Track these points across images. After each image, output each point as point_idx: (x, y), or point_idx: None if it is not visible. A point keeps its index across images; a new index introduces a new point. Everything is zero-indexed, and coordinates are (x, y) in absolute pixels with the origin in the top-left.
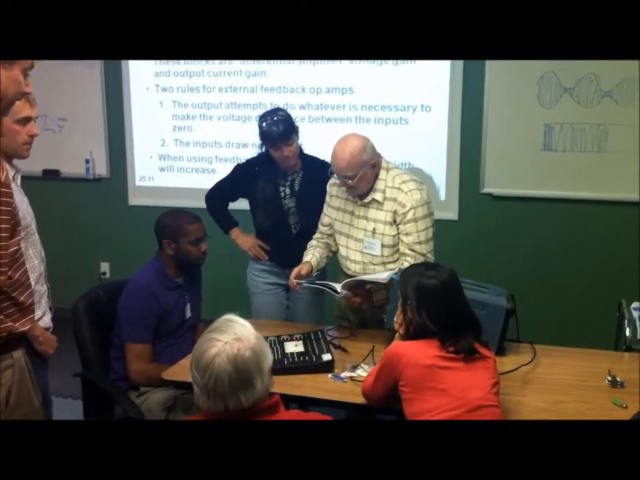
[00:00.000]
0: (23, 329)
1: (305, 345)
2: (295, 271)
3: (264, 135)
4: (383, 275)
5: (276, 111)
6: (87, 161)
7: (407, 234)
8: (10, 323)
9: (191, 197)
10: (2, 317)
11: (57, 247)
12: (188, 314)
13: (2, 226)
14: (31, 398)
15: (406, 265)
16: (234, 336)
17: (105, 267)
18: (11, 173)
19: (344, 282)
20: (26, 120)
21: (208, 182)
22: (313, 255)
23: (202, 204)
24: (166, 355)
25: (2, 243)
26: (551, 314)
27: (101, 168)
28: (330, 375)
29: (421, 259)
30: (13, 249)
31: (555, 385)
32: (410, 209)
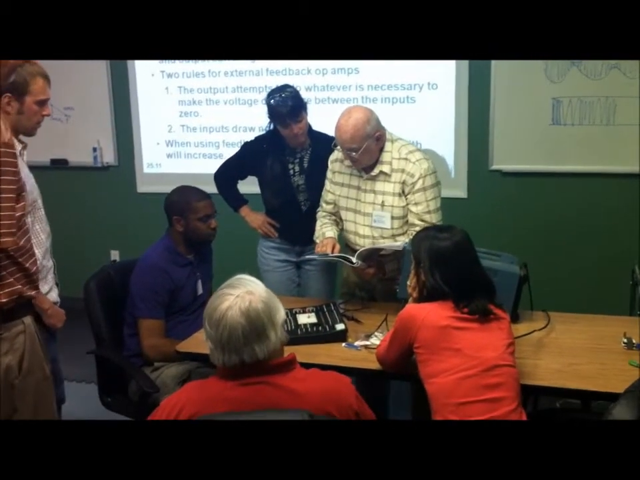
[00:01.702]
0: (30, 293)
1: (317, 316)
2: (329, 246)
3: (273, 113)
4: (397, 243)
5: (284, 87)
6: (95, 150)
7: (416, 204)
8: (19, 286)
9: (199, 182)
10: (12, 280)
11: (67, 236)
12: (200, 290)
13: (6, 187)
14: (42, 364)
15: None
16: (245, 290)
17: (114, 254)
18: (18, 148)
19: (358, 252)
20: (44, 102)
21: (215, 167)
22: (331, 230)
23: (210, 189)
24: (178, 330)
25: (6, 204)
26: (562, 287)
27: (109, 156)
28: (344, 344)
29: None
30: (19, 214)
31: (569, 348)
32: (419, 179)
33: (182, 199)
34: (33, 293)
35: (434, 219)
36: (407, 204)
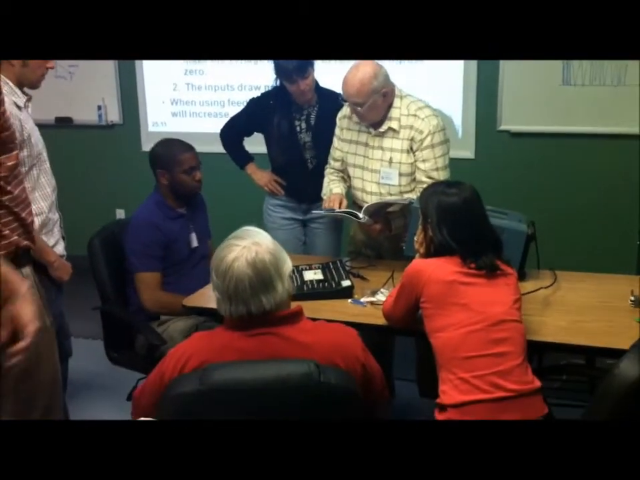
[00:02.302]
0: (27, 243)
1: (323, 273)
2: (336, 202)
3: (279, 69)
4: (404, 197)
5: None
6: (99, 108)
7: (424, 160)
8: (16, 237)
9: (204, 141)
10: (7, 231)
11: (72, 195)
12: (194, 243)
13: None
14: (42, 316)
15: None
16: (252, 241)
17: (120, 213)
18: (23, 100)
19: (365, 207)
20: None
21: (221, 126)
22: (339, 187)
23: (215, 149)
24: (181, 284)
25: None
26: (570, 248)
27: (113, 114)
28: (350, 300)
29: None
30: (12, 163)
31: (576, 306)
32: (427, 135)
33: (166, 151)
34: (29, 243)
35: (442, 176)
36: (415, 161)
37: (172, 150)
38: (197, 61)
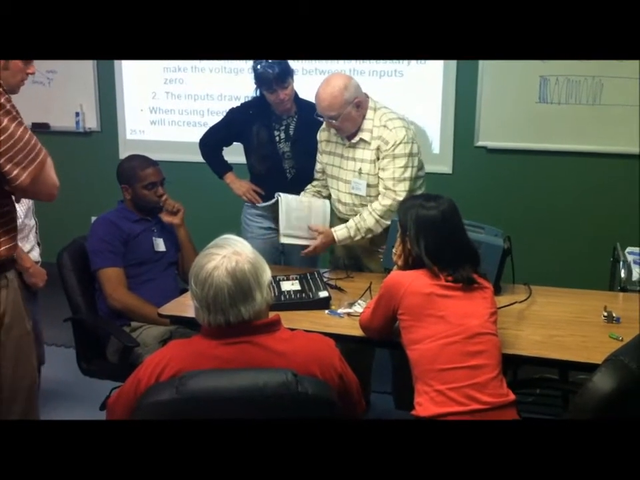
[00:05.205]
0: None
1: (301, 283)
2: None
3: (259, 78)
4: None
5: None
6: (77, 114)
7: (383, 169)
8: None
9: (182, 150)
10: (14, 234)
11: (47, 202)
12: (161, 247)
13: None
14: (23, 320)
15: (375, 205)
16: (232, 250)
17: None
18: None
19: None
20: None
21: (199, 135)
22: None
23: (193, 157)
24: (149, 288)
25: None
26: (545, 263)
27: (91, 121)
28: (327, 311)
29: (391, 198)
30: None
31: (550, 320)
32: (391, 146)
33: (128, 167)
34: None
35: (398, 187)
36: (378, 171)
37: (134, 165)
38: (176, 69)
